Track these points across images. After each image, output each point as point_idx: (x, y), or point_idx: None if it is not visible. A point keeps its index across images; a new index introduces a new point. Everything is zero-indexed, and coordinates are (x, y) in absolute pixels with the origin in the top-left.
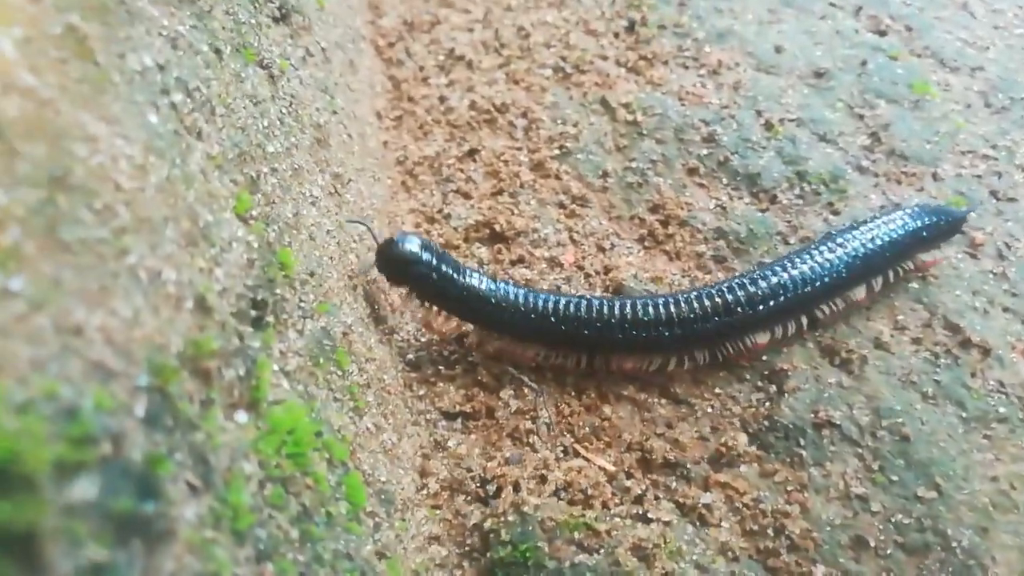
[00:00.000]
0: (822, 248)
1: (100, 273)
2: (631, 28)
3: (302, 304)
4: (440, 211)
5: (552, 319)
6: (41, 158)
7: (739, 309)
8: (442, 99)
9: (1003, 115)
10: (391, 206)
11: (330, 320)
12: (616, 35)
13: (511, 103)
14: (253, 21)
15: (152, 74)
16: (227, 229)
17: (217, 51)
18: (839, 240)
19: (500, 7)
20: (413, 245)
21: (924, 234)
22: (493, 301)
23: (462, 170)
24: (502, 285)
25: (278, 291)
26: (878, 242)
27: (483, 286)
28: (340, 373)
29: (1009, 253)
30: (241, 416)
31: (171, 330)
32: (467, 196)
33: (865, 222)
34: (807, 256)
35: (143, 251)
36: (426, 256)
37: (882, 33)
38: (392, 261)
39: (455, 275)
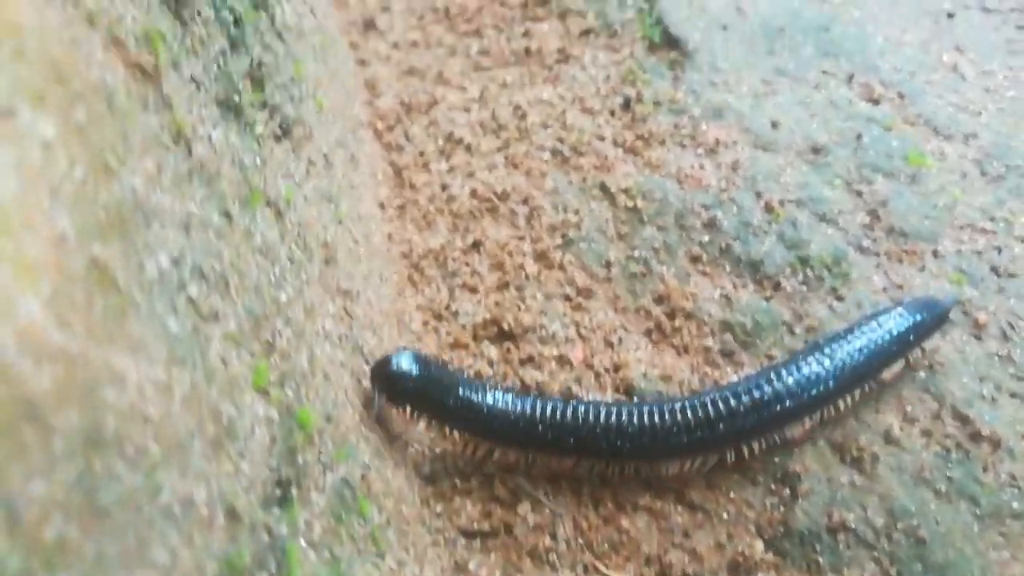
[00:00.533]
0: (809, 359)
1: (137, 526)
2: (627, 106)
3: (322, 458)
4: (447, 307)
5: (563, 430)
6: (75, 425)
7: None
8: (444, 187)
9: (999, 184)
10: (399, 304)
11: (349, 466)
12: (612, 113)
13: (511, 189)
14: (257, 159)
15: (169, 274)
16: (248, 415)
17: (227, 215)
18: (825, 350)
19: (496, 84)
20: (407, 361)
21: (912, 336)
22: (498, 414)
23: (467, 263)
24: (509, 396)
25: (299, 458)
26: (865, 352)
27: (486, 399)
28: (362, 522)
29: (1013, 333)
30: None
31: (206, 557)
32: (473, 290)
33: (852, 330)
34: (795, 367)
35: (174, 480)
36: (422, 371)
37: (875, 102)
38: (387, 380)
39: (454, 389)
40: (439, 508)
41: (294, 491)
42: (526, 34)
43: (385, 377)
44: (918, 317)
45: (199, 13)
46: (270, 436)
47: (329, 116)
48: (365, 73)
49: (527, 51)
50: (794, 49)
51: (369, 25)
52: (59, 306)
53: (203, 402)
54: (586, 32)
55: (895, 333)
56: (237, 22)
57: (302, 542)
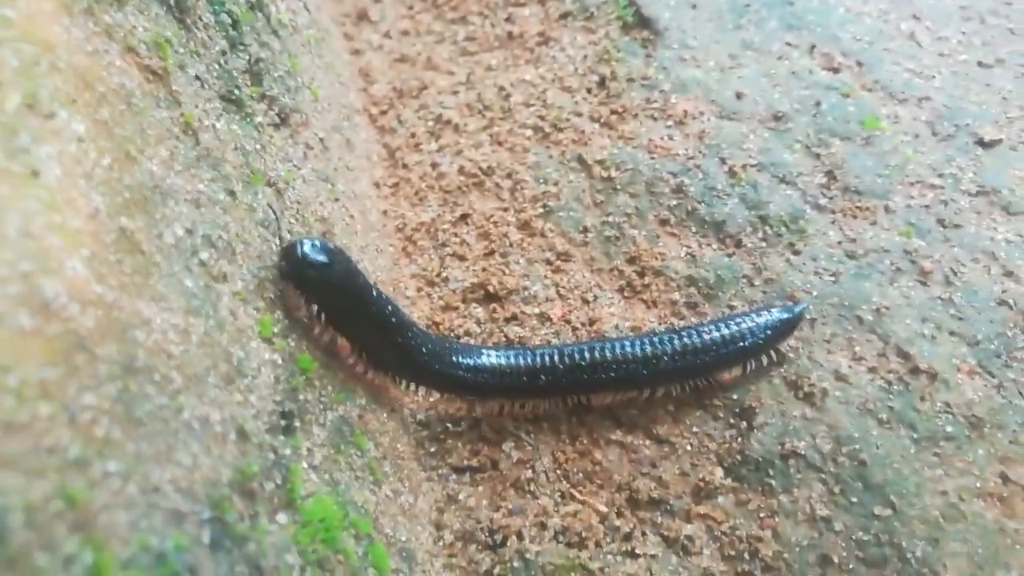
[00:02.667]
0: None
1: (165, 435)
2: (602, 83)
3: (322, 398)
4: (439, 275)
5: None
6: (114, 355)
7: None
8: (434, 165)
9: (948, 143)
10: (394, 273)
11: (347, 407)
12: (589, 90)
13: (496, 165)
14: (257, 145)
15: (183, 241)
16: (255, 357)
17: (231, 193)
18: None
19: (481, 67)
20: (319, 251)
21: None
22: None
23: (456, 234)
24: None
25: (301, 396)
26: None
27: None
28: (359, 453)
29: (955, 279)
30: (281, 517)
31: (221, 464)
32: (462, 258)
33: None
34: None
35: (194, 403)
36: (337, 266)
37: (835, 70)
38: (296, 266)
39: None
40: (432, 448)
41: (297, 423)
42: (509, 19)
43: (294, 263)
44: (780, 317)
45: (200, 18)
46: (274, 376)
47: (324, 104)
48: (359, 62)
49: (510, 35)
50: (759, 23)
51: (362, 16)
52: (97, 265)
53: (216, 345)
54: (564, 15)
55: (759, 328)
56: (235, 24)
57: (304, 464)
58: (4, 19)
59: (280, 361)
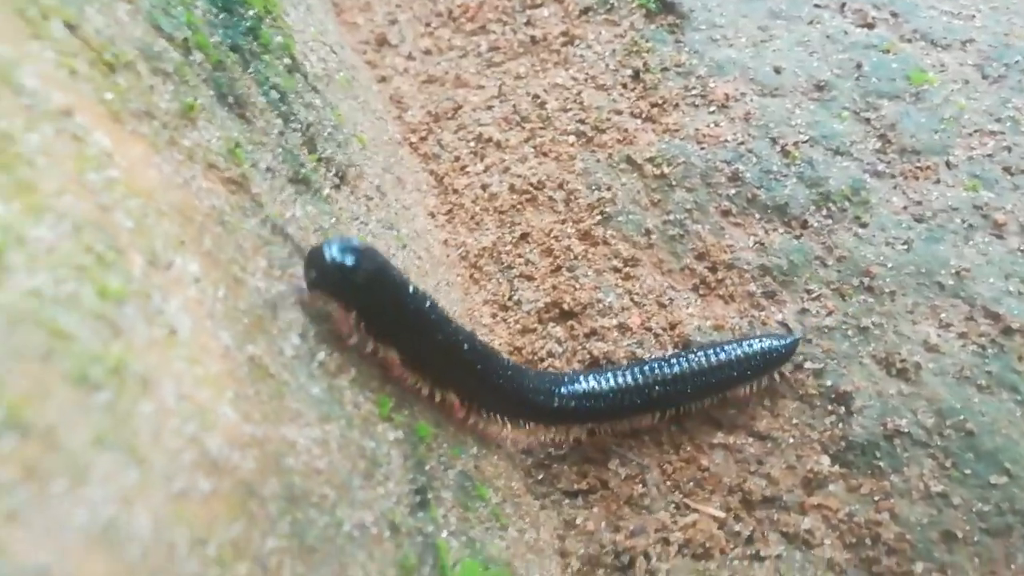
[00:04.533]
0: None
1: (336, 554)
2: (636, 76)
3: (442, 459)
4: (510, 298)
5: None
6: (277, 490)
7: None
8: (484, 186)
9: (1001, 84)
10: (466, 303)
11: (463, 460)
12: (624, 86)
13: (546, 177)
14: (332, 219)
15: (300, 349)
16: (383, 442)
17: None
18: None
19: (511, 77)
20: (350, 251)
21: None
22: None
23: (519, 255)
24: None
25: (427, 466)
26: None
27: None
28: (484, 503)
29: None
30: None
31: (385, 564)
32: (530, 278)
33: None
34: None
35: (349, 512)
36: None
37: (870, 26)
38: (326, 271)
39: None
40: (540, 476)
41: (429, 495)
42: (529, 23)
43: (323, 266)
44: (773, 345)
45: (255, 104)
46: (402, 454)
47: (371, 148)
48: (388, 89)
49: (533, 40)
50: None
51: (381, 41)
52: (241, 404)
53: (351, 444)
54: (585, 11)
55: (754, 354)
56: (282, 96)
57: (444, 534)
58: (111, 181)
59: (403, 436)
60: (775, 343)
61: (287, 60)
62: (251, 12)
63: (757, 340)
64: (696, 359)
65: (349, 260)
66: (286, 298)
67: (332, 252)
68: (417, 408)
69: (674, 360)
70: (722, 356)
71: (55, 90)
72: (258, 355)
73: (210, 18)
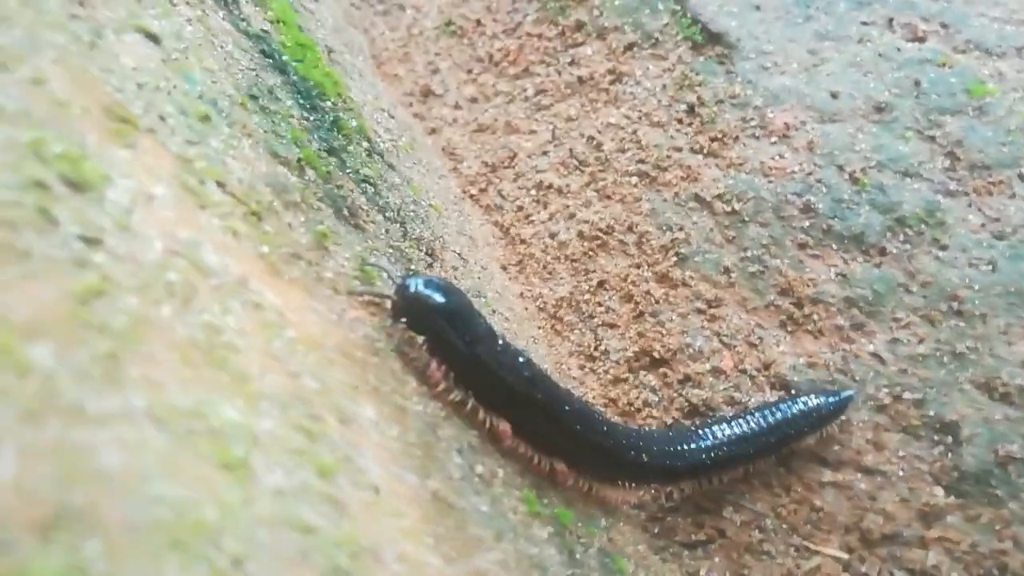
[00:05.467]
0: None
1: None
2: (691, 111)
3: (582, 542)
4: (596, 347)
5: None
6: None
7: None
8: (552, 235)
9: None
10: (553, 356)
11: (597, 535)
12: (680, 121)
13: (613, 221)
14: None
15: (463, 468)
16: (538, 540)
17: None
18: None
19: (562, 120)
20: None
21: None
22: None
23: (599, 303)
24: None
25: (576, 554)
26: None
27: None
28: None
29: None
30: None
31: None
32: (614, 326)
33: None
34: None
35: None
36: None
37: (921, 40)
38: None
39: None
40: (656, 530)
41: None
42: (573, 62)
43: (403, 300)
44: (825, 402)
45: (361, 208)
46: (556, 549)
47: (445, 213)
48: (440, 141)
49: (580, 79)
50: (828, 9)
51: (426, 92)
52: (439, 547)
53: (521, 556)
54: (629, 47)
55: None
56: (375, 188)
57: None
58: (291, 343)
59: (552, 530)
60: (829, 400)
61: (365, 144)
62: (329, 103)
63: (813, 396)
64: (756, 419)
65: (433, 293)
66: (438, 416)
67: (417, 286)
68: (551, 491)
69: (740, 420)
70: (779, 415)
71: (230, 260)
72: (438, 489)
73: (305, 124)
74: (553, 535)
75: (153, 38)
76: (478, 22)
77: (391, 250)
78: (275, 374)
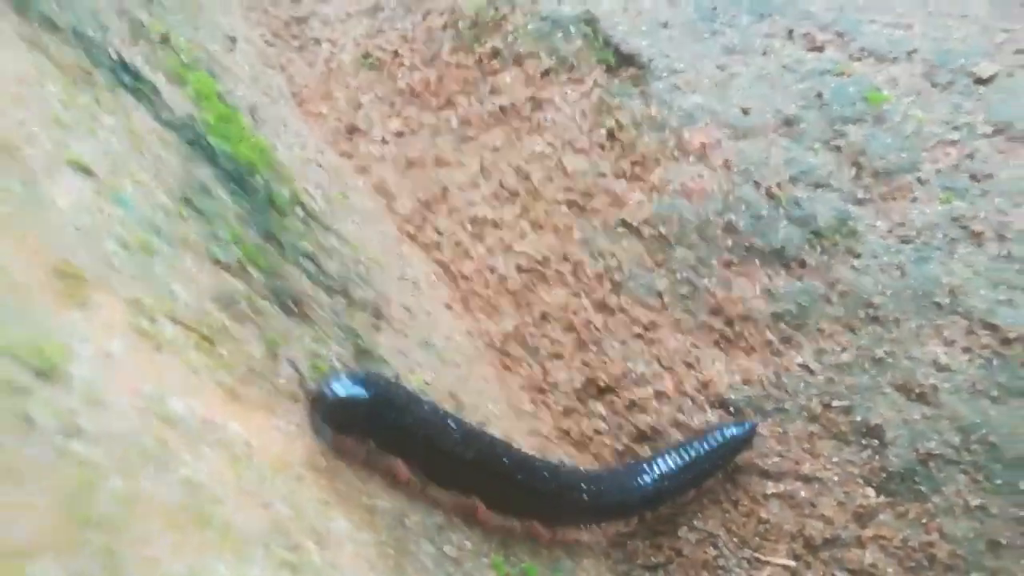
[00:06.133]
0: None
1: None
2: (612, 135)
3: None
4: (545, 379)
5: None
6: None
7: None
8: (491, 269)
9: (950, 91)
10: (504, 392)
11: None
12: (602, 147)
13: (549, 252)
14: (389, 371)
15: (435, 555)
16: None
17: None
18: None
19: (488, 150)
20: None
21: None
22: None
23: (544, 335)
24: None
25: None
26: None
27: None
28: None
29: (1006, 230)
30: None
31: None
32: (559, 356)
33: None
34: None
35: None
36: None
37: (820, 49)
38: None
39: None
40: (619, 555)
41: None
42: (493, 91)
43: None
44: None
45: (306, 294)
46: None
47: (384, 264)
48: (371, 179)
49: (502, 109)
50: (732, 22)
51: (351, 130)
52: None
53: None
54: (546, 72)
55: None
56: (315, 261)
57: None
58: (260, 471)
59: None
60: (735, 432)
61: (299, 211)
62: (260, 180)
63: (720, 432)
64: (673, 457)
65: (357, 392)
66: (404, 502)
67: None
68: (515, 546)
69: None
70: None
71: (194, 404)
72: None
73: (241, 214)
74: None
75: (84, 169)
76: (395, 53)
77: (338, 331)
78: (251, 510)
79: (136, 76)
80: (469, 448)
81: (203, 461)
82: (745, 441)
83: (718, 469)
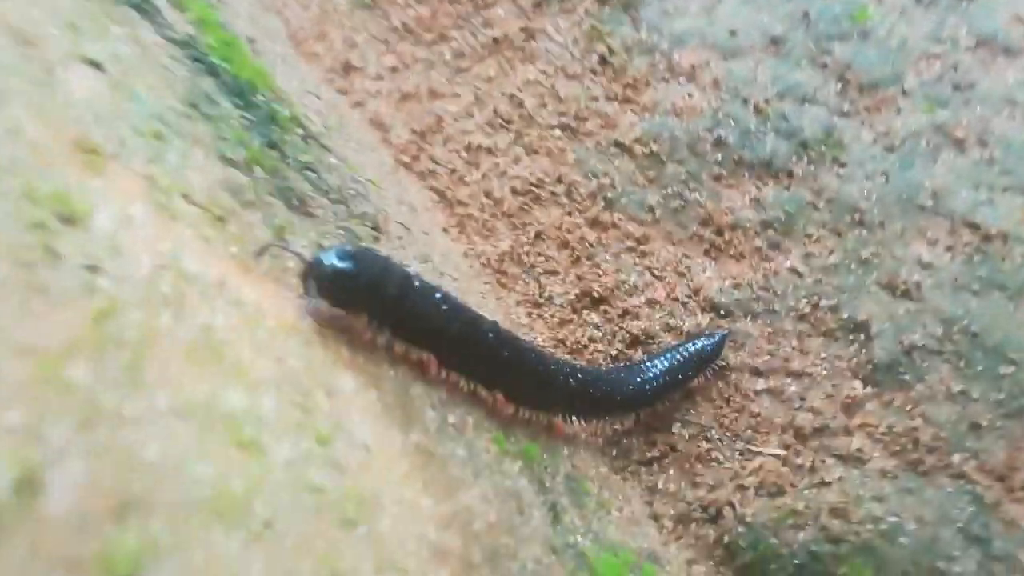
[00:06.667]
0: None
1: None
2: (604, 60)
3: (549, 470)
4: (541, 294)
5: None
6: (480, 559)
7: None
8: (487, 193)
9: (934, 6)
10: (502, 307)
11: (564, 463)
12: (594, 72)
13: (543, 175)
14: None
15: (436, 419)
16: (516, 478)
17: None
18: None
19: (483, 81)
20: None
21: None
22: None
23: (539, 253)
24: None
25: (546, 483)
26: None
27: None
28: (589, 496)
29: (988, 136)
30: None
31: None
32: (554, 273)
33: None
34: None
35: (526, 552)
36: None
37: None
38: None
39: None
40: (614, 452)
41: (558, 508)
42: (486, 23)
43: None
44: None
45: (309, 196)
46: (528, 479)
47: (382, 185)
48: (366, 114)
49: (495, 40)
50: None
51: (346, 68)
52: (429, 489)
53: (500, 489)
54: (538, 4)
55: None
56: (316, 173)
57: (579, 538)
58: (271, 331)
59: (523, 463)
60: (707, 342)
61: (299, 131)
62: (262, 98)
63: (693, 343)
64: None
65: (348, 265)
66: (409, 376)
67: (331, 260)
68: (517, 430)
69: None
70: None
71: (208, 265)
72: (419, 440)
73: (244, 123)
74: (523, 468)
75: (97, 66)
76: None
77: (341, 231)
78: (264, 360)
79: None
80: (455, 322)
81: (219, 315)
82: (718, 350)
83: (695, 376)
